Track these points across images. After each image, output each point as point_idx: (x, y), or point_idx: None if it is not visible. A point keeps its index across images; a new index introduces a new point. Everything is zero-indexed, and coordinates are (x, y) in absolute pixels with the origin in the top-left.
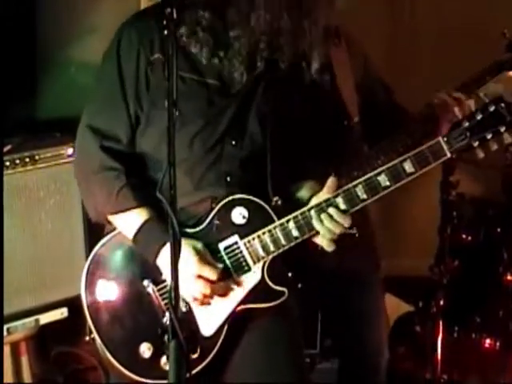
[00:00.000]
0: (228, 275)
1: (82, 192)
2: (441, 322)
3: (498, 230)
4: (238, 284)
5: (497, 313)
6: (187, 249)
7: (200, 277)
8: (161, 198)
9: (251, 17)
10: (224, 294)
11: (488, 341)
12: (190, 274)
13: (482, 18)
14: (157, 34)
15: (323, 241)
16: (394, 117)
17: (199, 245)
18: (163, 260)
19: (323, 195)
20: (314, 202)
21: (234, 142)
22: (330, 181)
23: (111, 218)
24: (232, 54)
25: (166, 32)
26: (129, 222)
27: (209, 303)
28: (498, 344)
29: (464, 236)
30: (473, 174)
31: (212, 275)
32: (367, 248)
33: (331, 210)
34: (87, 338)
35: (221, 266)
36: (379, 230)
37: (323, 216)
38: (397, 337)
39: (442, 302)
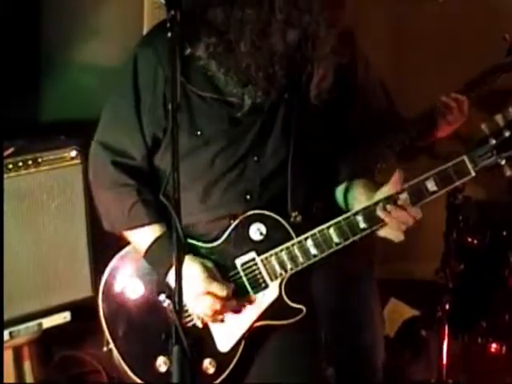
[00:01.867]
0: (245, 292)
1: (97, 205)
2: (446, 327)
3: (504, 233)
4: (255, 301)
5: (503, 317)
6: (196, 266)
7: (209, 293)
8: (164, 201)
9: (269, 39)
10: (239, 311)
11: (494, 345)
12: (199, 291)
13: (484, 21)
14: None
15: (392, 233)
16: (392, 123)
17: (209, 263)
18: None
19: (388, 190)
20: (378, 197)
21: (256, 158)
22: (397, 175)
23: (125, 233)
24: (253, 75)
25: (169, 34)
26: (141, 238)
27: (222, 320)
28: (504, 348)
29: (470, 239)
30: (479, 177)
31: (221, 291)
32: (360, 244)
33: (402, 203)
34: (104, 349)
35: (231, 285)
36: None
37: (390, 207)
38: (402, 341)
39: (447, 306)
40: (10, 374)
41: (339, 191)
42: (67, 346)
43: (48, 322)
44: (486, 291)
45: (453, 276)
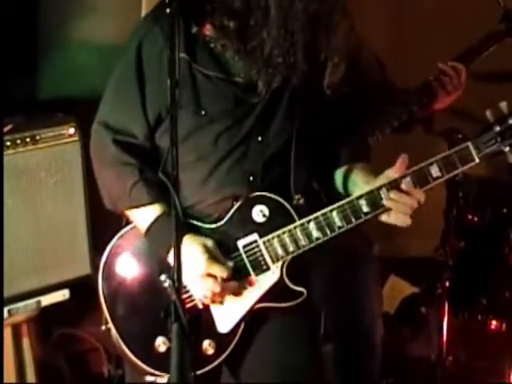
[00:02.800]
0: (246, 273)
1: (99, 183)
2: (446, 304)
3: (504, 210)
4: (256, 283)
5: (503, 294)
6: (197, 247)
7: (209, 275)
8: (163, 178)
9: (291, 27)
10: (240, 293)
11: (494, 322)
12: (199, 272)
13: None
14: (182, 32)
15: (398, 217)
16: (385, 93)
17: (209, 242)
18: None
19: (392, 175)
20: (381, 180)
21: (259, 139)
22: (401, 159)
23: (127, 212)
24: (263, 58)
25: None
26: (142, 217)
27: (221, 302)
28: (504, 325)
29: (470, 217)
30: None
31: (221, 273)
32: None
33: (405, 187)
34: (103, 328)
35: (231, 263)
36: None
37: (393, 193)
38: (402, 318)
39: (447, 284)
40: (8, 351)
41: (338, 175)
42: (66, 323)
43: (47, 300)
44: (485, 268)
45: (453, 253)
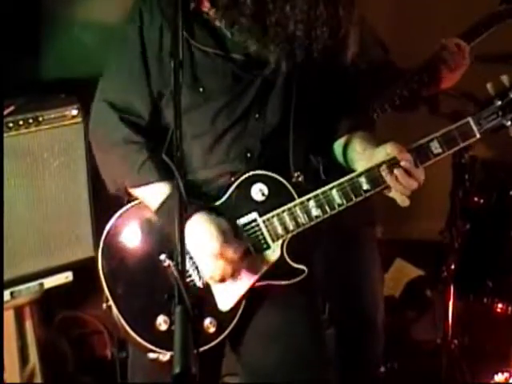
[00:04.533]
0: (247, 252)
1: (101, 164)
2: (452, 287)
3: (510, 192)
4: (257, 261)
5: (509, 277)
6: (213, 227)
7: (222, 256)
8: (167, 160)
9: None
10: (242, 272)
11: (500, 305)
12: (213, 252)
13: None
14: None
15: (396, 195)
16: (388, 73)
17: (225, 224)
18: (189, 231)
19: (391, 152)
20: (380, 154)
21: (257, 116)
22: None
23: (132, 190)
24: (284, 34)
25: None
26: (152, 194)
27: (225, 282)
28: (509, 309)
29: (476, 199)
30: (485, 136)
31: (234, 254)
32: (361, 202)
33: (404, 164)
34: (104, 306)
35: (245, 244)
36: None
37: (396, 170)
38: (407, 301)
39: (453, 266)
40: (11, 334)
41: (338, 145)
42: (69, 306)
43: (50, 282)
44: (491, 251)
45: (458, 236)
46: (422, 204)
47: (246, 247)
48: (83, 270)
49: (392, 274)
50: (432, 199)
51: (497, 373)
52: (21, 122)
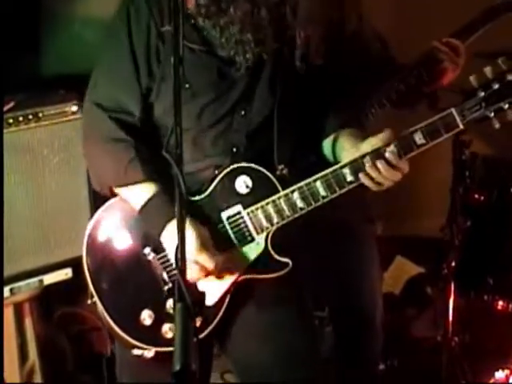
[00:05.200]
0: (231, 245)
1: (89, 162)
2: (452, 284)
3: (511, 189)
4: (241, 255)
5: (510, 274)
6: (192, 232)
7: (197, 263)
8: (167, 157)
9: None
10: (226, 265)
11: (501, 303)
12: (188, 258)
13: None
14: (166, 5)
15: (373, 187)
16: (388, 69)
17: (203, 230)
18: (167, 236)
19: (376, 143)
20: (365, 148)
21: (243, 113)
22: (387, 131)
23: (118, 189)
24: (235, 35)
25: None
26: (136, 194)
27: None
28: (510, 306)
29: (476, 196)
30: (486, 132)
31: (208, 263)
32: (358, 199)
33: (388, 156)
34: (89, 302)
35: (221, 258)
36: (389, 191)
37: (379, 163)
38: (407, 298)
39: (453, 264)
40: (10, 330)
41: (327, 143)
42: (68, 302)
43: (49, 279)
44: (492, 248)
45: (459, 233)
46: (423, 201)
47: (222, 260)
48: (83, 266)
49: (392, 272)
50: (432, 196)
51: (497, 370)
52: (20, 118)
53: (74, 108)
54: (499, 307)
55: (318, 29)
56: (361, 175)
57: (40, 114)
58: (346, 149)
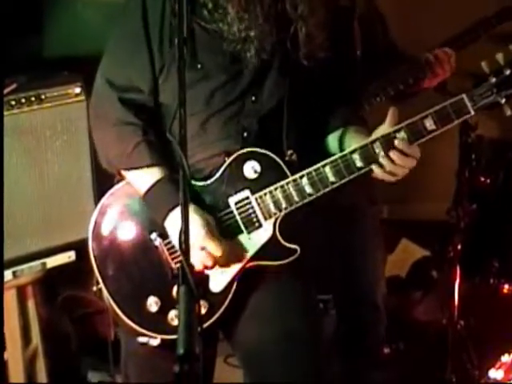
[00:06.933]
0: (238, 231)
1: (97, 142)
2: (458, 267)
3: None
4: (249, 241)
5: None
6: (198, 219)
7: (203, 249)
8: (171, 138)
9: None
10: (233, 252)
11: (506, 286)
12: (194, 243)
13: None
14: None
15: (385, 176)
16: (388, 55)
17: (210, 218)
18: (171, 222)
19: (385, 129)
20: (375, 135)
21: (253, 98)
22: (392, 112)
23: (124, 172)
24: (261, 19)
25: None
26: (141, 179)
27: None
28: None
29: (482, 179)
30: (492, 115)
31: (215, 251)
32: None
33: (398, 144)
34: (94, 289)
35: (227, 247)
36: None
37: (393, 153)
38: (413, 282)
39: (459, 247)
40: (13, 313)
41: (333, 137)
42: (71, 285)
43: (52, 262)
44: (498, 231)
45: (465, 216)
46: (429, 184)
47: (229, 247)
48: (86, 249)
49: (398, 255)
50: (438, 179)
51: (503, 354)
52: (23, 100)
53: (78, 90)
54: (505, 290)
55: (326, 16)
56: (376, 169)
57: (43, 96)
58: (356, 141)
